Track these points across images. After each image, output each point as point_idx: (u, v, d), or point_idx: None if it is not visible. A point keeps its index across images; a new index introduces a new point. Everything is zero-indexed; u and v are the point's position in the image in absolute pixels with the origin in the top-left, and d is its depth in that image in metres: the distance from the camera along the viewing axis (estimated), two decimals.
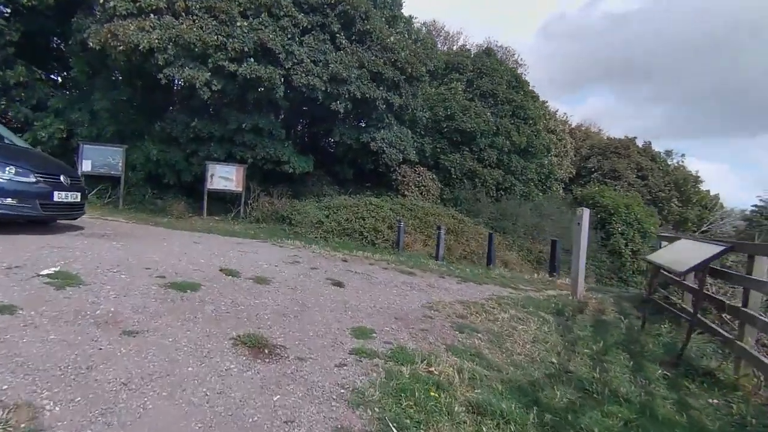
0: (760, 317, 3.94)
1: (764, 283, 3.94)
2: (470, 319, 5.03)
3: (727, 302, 4.68)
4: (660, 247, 7.89)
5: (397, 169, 16.48)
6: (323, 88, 12.97)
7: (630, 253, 20.58)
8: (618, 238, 20.61)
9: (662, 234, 8.51)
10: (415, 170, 16.92)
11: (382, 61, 14.06)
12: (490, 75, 20.55)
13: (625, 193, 24.41)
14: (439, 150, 18.24)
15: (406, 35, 15.99)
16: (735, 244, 4.86)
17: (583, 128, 33.75)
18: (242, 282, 5.16)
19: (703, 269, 4.61)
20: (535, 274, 10.05)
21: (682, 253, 5.25)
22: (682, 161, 33.57)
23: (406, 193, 16.12)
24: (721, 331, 4.61)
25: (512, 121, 20.06)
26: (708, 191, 33.97)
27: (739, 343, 4.11)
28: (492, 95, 20.12)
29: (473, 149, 18.81)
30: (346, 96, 13.40)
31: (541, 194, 20.90)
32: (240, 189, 13.23)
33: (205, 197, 12.89)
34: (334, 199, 14.34)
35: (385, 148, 15.51)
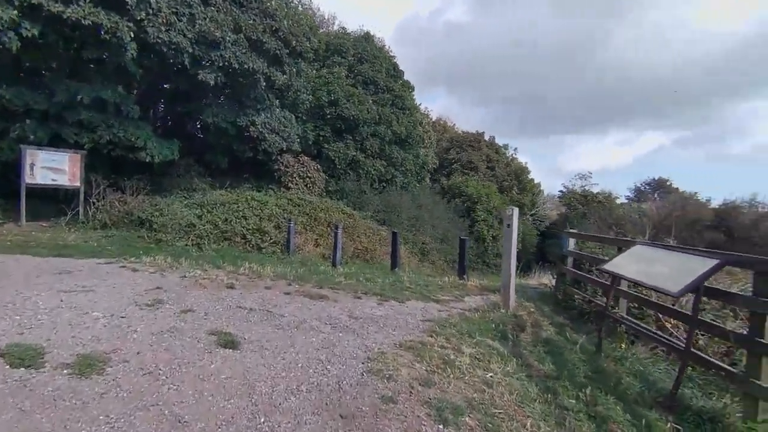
0: None
1: None
2: (436, 381, 3.50)
3: (731, 331, 3.73)
4: (568, 246, 7.40)
5: (279, 158, 14.41)
6: (189, 50, 10.03)
7: (491, 238, 22.49)
8: (482, 225, 22.16)
9: (571, 232, 7.83)
10: (299, 160, 14.98)
11: (261, 27, 11.66)
12: (371, 62, 19.51)
13: (482, 183, 26.62)
14: (322, 138, 16.59)
15: (284, 5, 13.83)
16: (732, 257, 3.82)
17: (441, 122, 35.62)
18: (46, 380, 2.71)
19: (697, 289, 3.58)
20: (446, 278, 9.45)
21: (653, 265, 4.34)
22: (516, 154, 38.33)
23: (290, 185, 14.14)
24: (725, 366, 3.69)
25: (392, 111, 19.47)
26: (533, 179, 39.75)
27: (757, 382, 3.24)
28: (373, 83, 19.17)
29: (356, 138, 17.67)
30: (219, 64, 10.73)
31: (417, 185, 21.19)
32: (77, 184, 9.68)
33: (23, 196, 9.09)
34: (208, 195, 11.60)
35: (267, 135, 13.33)
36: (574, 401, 3.56)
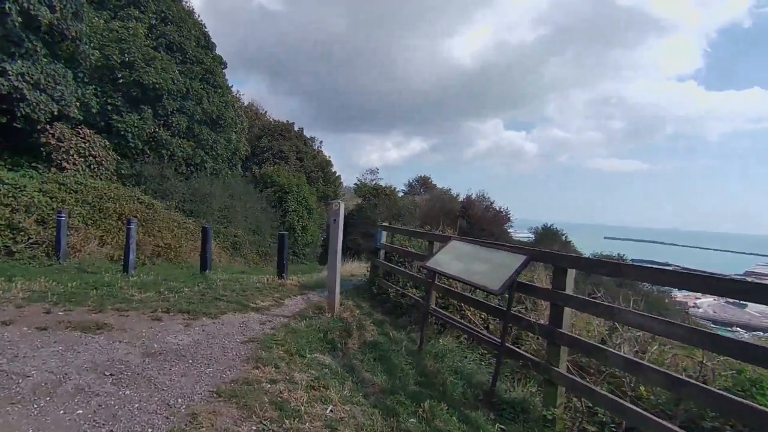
0: (572, 336, 3.51)
1: (572, 297, 3.45)
2: None
3: (535, 322, 3.83)
4: (381, 240, 7.31)
5: (48, 128, 10.70)
6: None
7: (301, 228, 22.46)
8: (293, 216, 21.83)
9: (384, 225, 7.75)
10: (78, 132, 11.47)
11: None
12: (177, 25, 16.51)
13: (293, 174, 26.28)
14: (111, 107, 13.09)
15: None
16: (536, 253, 3.96)
17: (253, 108, 33.29)
18: None
19: (510, 285, 3.65)
20: (264, 277, 8.64)
21: (472, 262, 4.30)
22: (321, 147, 39.40)
23: (65, 165, 10.64)
24: (534, 358, 3.80)
25: (202, 86, 17.00)
26: (335, 172, 41.78)
27: (556, 369, 3.44)
28: (180, 50, 16.23)
29: (158, 112, 14.66)
30: None
31: (229, 172, 19.20)
32: None
33: None
34: None
35: (26, 91, 9.86)
36: (415, 420, 3.34)
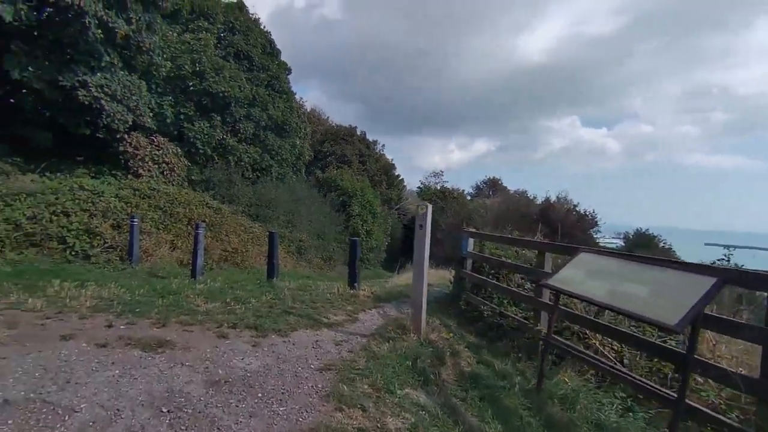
0: None
1: None
2: None
3: (738, 373, 2.64)
4: (468, 247, 6.21)
5: (126, 137, 11.02)
6: None
7: (365, 233, 21.91)
8: (357, 220, 21.38)
9: (472, 231, 6.60)
10: (153, 140, 11.78)
11: None
12: (244, 33, 16.76)
13: (356, 177, 25.93)
14: (183, 116, 13.41)
15: None
16: (732, 273, 2.74)
17: (316, 113, 33.78)
18: None
19: (694, 319, 2.48)
20: (335, 286, 7.92)
21: (618, 283, 3.19)
22: (383, 151, 38.91)
23: (140, 171, 10.92)
24: (728, 421, 2.66)
25: (268, 93, 17.09)
26: (398, 175, 41.05)
27: None
28: (247, 57, 16.46)
29: (226, 119, 14.88)
30: None
31: (294, 176, 19.19)
32: None
33: None
34: (8, 182, 8.08)
35: (104, 102, 10.05)
36: None
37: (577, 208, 25.19)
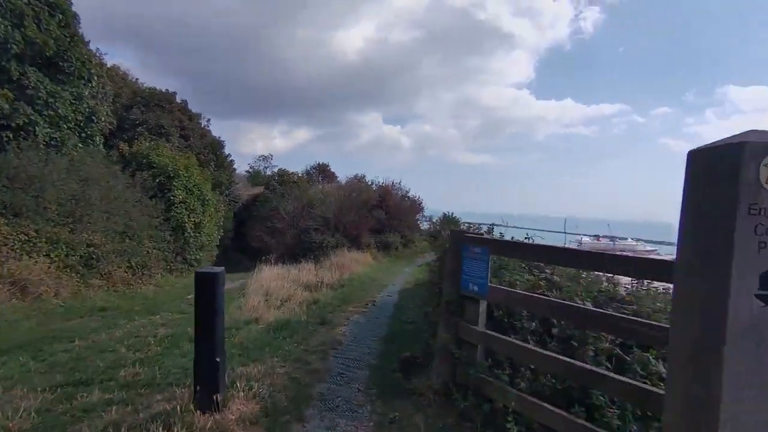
0: None
1: None
2: None
3: None
4: (480, 273, 2.95)
5: None
6: None
7: (193, 226, 16.31)
8: (181, 209, 15.64)
9: (485, 238, 3.33)
10: None
11: None
12: None
13: (177, 154, 19.46)
14: None
15: None
16: None
17: (121, 71, 24.40)
18: None
19: None
20: (157, 411, 3.46)
21: None
22: (209, 126, 31.75)
23: None
24: None
25: (28, 2, 10.22)
26: (229, 155, 34.52)
27: None
28: None
29: None
30: None
31: (81, 146, 12.25)
32: None
33: None
34: None
35: None
36: None
37: (409, 194, 25.23)
